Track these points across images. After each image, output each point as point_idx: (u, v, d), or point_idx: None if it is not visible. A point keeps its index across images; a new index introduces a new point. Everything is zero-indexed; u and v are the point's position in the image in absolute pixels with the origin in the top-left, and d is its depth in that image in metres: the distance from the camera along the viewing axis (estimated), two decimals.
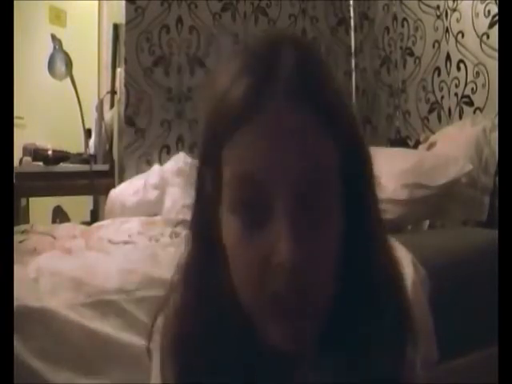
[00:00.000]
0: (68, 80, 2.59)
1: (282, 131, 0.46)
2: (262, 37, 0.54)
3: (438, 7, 2.53)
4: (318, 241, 0.47)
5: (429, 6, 2.59)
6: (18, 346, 1.05)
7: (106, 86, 2.91)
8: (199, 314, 0.54)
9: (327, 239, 0.48)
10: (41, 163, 2.51)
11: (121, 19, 2.63)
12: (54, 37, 2.60)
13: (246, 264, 0.48)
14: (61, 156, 2.58)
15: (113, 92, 2.79)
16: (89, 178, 2.50)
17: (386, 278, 0.54)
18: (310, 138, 0.46)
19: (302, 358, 0.53)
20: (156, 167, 2.42)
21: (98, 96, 3.01)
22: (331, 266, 0.49)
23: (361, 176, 0.52)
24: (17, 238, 1.58)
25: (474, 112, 2.33)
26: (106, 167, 2.65)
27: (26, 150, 2.59)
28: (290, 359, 0.52)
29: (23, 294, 1.13)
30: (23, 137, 2.87)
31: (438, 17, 2.53)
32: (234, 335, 0.52)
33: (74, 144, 2.83)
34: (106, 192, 2.34)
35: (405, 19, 2.76)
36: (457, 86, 2.43)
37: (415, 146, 2.36)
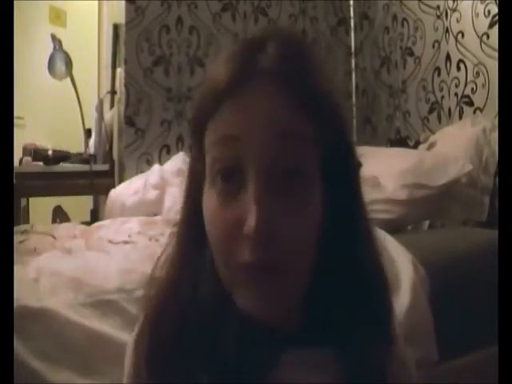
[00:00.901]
0: (68, 80, 2.59)
1: (256, 103, 0.50)
2: (256, 31, 0.57)
3: (438, 7, 2.53)
4: (291, 213, 0.49)
5: (429, 6, 2.59)
6: (18, 346, 1.05)
7: (106, 86, 2.91)
8: (187, 304, 0.54)
9: (302, 211, 0.50)
10: (41, 163, 2.51)
11: (121, 19, 2.63)
12: (53, 37, 2.60)
13: (220, 235, 0.50)
14: (61, 156, 2.58)
15: (113, 92, 2.79)
16: (89, 178, 2.50)
17: (370, 269, 0.56)
18: (283, 110, 0.49)
19: (286, 339, 0.54)
20: (156, 167, 2.42)
21: (98, 96, 3.01)
22: (306, 243, 0.50)
23: (343, 163, 0.54)
24: (17, 238, 1.58)
25: (474, 112, 2.33)
26: (106, 167, 2.65)
27: (26, 150, 2.59)
28: (274, 342, 0.53)
29: (23, 294, 1.13)
30: (23, 137, 2.87)
31: (438, 17, 2.53)
32: (218, 319, 0.53)
33: (74, 144, 2.83)
34: (106, 192, 2.34)
35: (405, 19, 2.76)
36: (457, 86, 2.43)
37: (415, 146, 2.36)
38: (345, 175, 0.54)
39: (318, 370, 0.55)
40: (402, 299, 1.33)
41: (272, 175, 0.49)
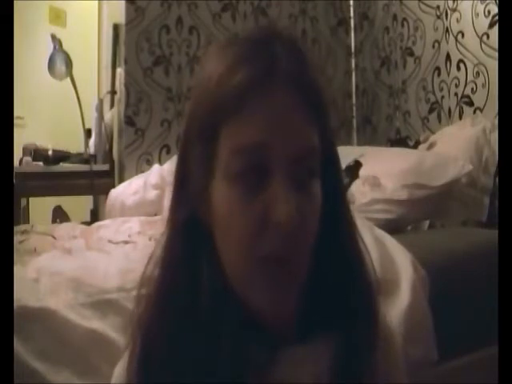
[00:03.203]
0: (68, 80, 2.59)
1: (278, 111, 0.52)
2: (254, 29, 0.59)
3: (438, 7, 2.53)
4: (306, 204, 0.53)
5: (429, 6, 2.59)
6: (18, 346, 1.05)
7: (106, 86, 2.91)
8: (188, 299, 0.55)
9: (313, 205, 0.54)
10: (41, 163, 2.51)
11: (121, 19, 2.63)
12: (53, 37, 2.60)
13: (242, 227, 0.52)
14: (61, 156, 2.58)
15: (113, 92, 2.79)
16: (89, 178, 2.50)
17: (351, 262, 0.58)
18: (301, 117, 0.53)
19: (281, 338, 0.55)
20: (156, 167, 2.42)
21: (98, 96, 3.01)
22: (315, 231, 0.54)
23: (331, 156, 0.58)
24: (17, 238, 1.58)
25: (474, 112, 2.33)
26: (106, 167, 2.65)
27: (26, 150, 2.58)
28: (270, 341, 0.54)
29: (23, 294, 1.13)
30: (23, 137, 2.87)
31: (438, 17, 2.53)
32: (219, 316, 0.54)
33: (74, 144, 2.83)
34: (106, 192, 2.34)
35: (405, 19, 2.76)
36: (457, 86, 2.43)
37: (415, 146, 2.36)
38: (332, 167, 0.58)
39: (312, 367, 0.56)
40: (401, 299, 1.33)
41: (293, 176, 0.52)
